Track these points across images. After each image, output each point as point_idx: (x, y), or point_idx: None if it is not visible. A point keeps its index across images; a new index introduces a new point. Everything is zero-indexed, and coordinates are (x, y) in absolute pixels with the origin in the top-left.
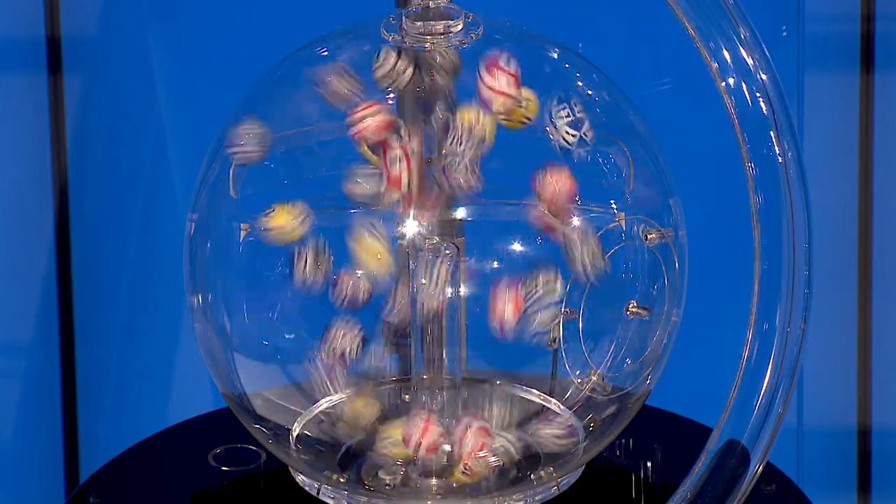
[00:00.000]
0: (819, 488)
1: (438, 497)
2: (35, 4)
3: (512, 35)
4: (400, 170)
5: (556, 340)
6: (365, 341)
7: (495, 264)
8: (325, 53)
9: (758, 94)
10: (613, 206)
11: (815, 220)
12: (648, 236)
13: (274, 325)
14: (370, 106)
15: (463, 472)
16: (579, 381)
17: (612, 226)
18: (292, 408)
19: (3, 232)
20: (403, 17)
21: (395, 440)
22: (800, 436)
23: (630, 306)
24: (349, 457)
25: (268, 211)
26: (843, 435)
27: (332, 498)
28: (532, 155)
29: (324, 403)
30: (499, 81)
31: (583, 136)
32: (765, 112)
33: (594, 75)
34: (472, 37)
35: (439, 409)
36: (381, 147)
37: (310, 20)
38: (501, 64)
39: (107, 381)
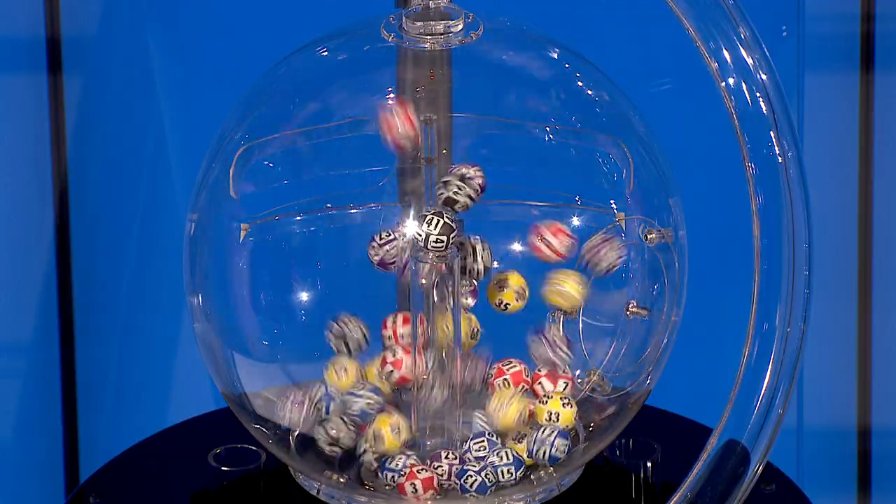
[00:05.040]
0: (819, 488)
1: (438, 497)
2: (35, 4)
3: (512, 35)
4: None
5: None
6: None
7: (496, 264)
8: (325, 53)
9: (758, 94)
10: (613, 206)
11: (815, 220)
12: (648, 236)
13: (274, 325)
14: None
15: None
16: (580, 381)
17: (612, 226)
18: None
19: (3, 232)
20: (403, 17)
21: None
22: (800, 436)
23: (630, 306)
24: (349, 457)
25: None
26: (843, 435)
27: (332, 498)
28: (531, 155)
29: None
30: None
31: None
32: (765, 112)
33: (594, 75)
34: (472, 37)
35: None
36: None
37: (310, 20)
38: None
39: (107, 381)
